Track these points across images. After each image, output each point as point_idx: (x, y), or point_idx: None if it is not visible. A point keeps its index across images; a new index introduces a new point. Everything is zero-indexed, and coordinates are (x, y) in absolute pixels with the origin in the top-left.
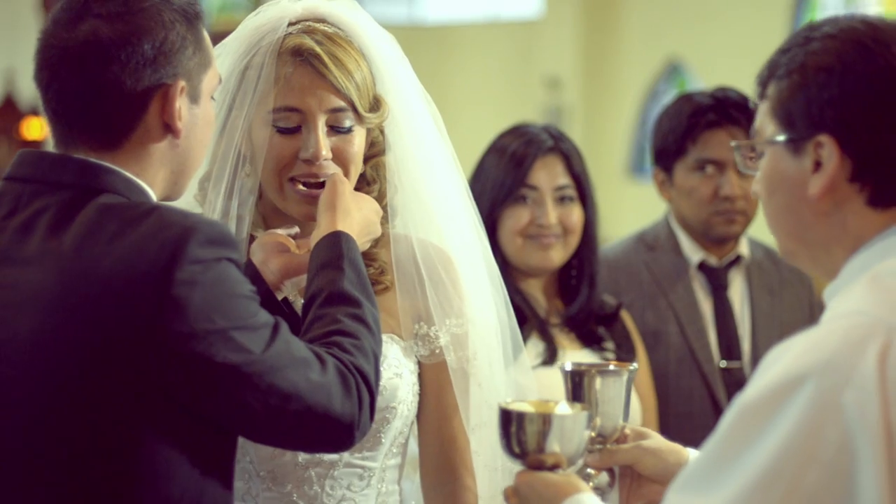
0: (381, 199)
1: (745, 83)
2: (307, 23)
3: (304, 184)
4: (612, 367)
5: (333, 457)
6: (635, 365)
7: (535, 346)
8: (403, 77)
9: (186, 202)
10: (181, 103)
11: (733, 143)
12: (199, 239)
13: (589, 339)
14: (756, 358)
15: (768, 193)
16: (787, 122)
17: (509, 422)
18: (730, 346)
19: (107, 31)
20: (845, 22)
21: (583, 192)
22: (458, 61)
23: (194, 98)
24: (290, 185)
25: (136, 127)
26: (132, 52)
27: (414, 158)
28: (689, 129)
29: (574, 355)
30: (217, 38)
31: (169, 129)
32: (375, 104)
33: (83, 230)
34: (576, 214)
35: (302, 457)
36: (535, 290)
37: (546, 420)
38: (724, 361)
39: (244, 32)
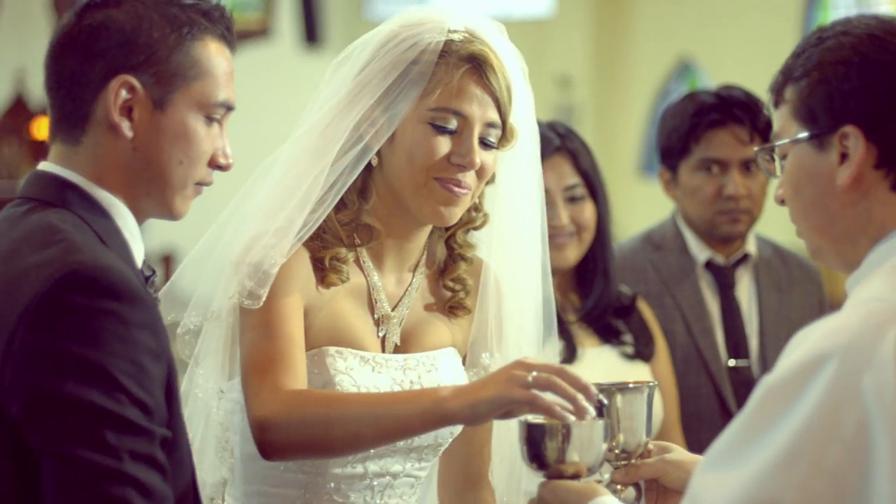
0: (482, 226)
1: (756, 81)
2: (465, 34)
3: (449, 182)
4: (632, 385)
5: (398, 468)
6: (655, 382)
7: (554, 346)
8: (526, 110)
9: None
10: (136, 104)
11: (756, 149)
12: (75, 282)
13: (607, 334)
14: (764, 356)
15: (794, 192)
16: (809, 119)
17: (530, 435)
18: (737, 344)
19: (84, 21)
20: (856, 20)
21: (593, 188)
22: None
23: (160, 104)
24: (435, 183)
25: (89, 119)
26: (93, 42)
27: (511, 191)
28: (693, 128)
29: (593, 352)
30: None
31: (113, 126)
32: (511, 131)
33: (8, 244)
34: (588, 211)
35: (371, 469)
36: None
37: (566, 431)
38: (732, 360)
39: (394, 27)
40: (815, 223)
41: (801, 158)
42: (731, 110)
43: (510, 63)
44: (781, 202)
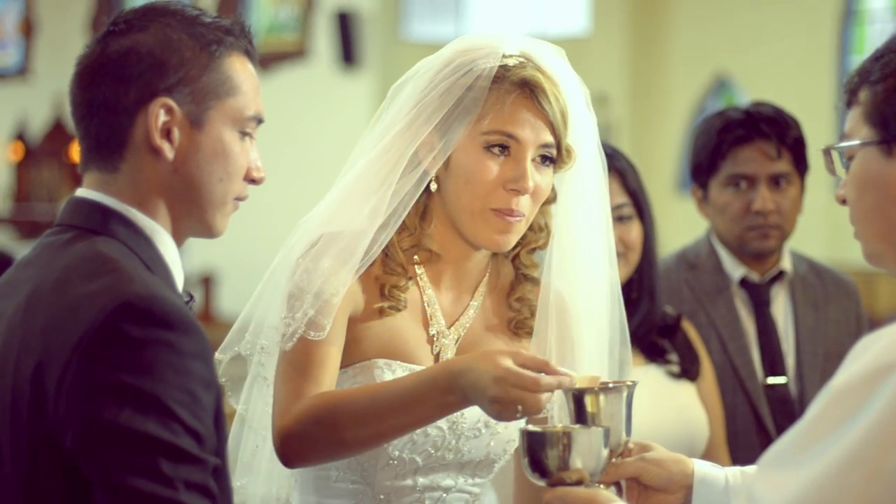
0: (544, 246)
1: (792, 97)
2: (520, 59)
3: (504, 213)
4: (611, 385)
5: (449, 482)
6: (635, 381)
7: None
8: (587, 133)
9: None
10: (175, 125)
11: (822, 148)
12: (129, 313)
13: (652, 353)
14: (801, 374)
15: (858, 195)
16: (881, 125)
17: (533, 443)
18: (773, 362)
19: (111, 48)
20: None
21: (640, 208)
22: None
23: (197, 123)
24: (490, 213)
25: (126, 145)
26: (123, 68)
27: (576, 212)
28: (719, 144)
29: (639, 371)
30: (266, 59)
31: (154, 149)
32: (567, 152)
33: (56, 272)
34: (635, 231)
35: (420, 482)
36: None
37: (567, 439)
38: (769, 378)
39: (450, 53)
40: (875, 229)
41: (867, 163)
42: (758, 126)
43: (567, 86)
44: (843, 202)
